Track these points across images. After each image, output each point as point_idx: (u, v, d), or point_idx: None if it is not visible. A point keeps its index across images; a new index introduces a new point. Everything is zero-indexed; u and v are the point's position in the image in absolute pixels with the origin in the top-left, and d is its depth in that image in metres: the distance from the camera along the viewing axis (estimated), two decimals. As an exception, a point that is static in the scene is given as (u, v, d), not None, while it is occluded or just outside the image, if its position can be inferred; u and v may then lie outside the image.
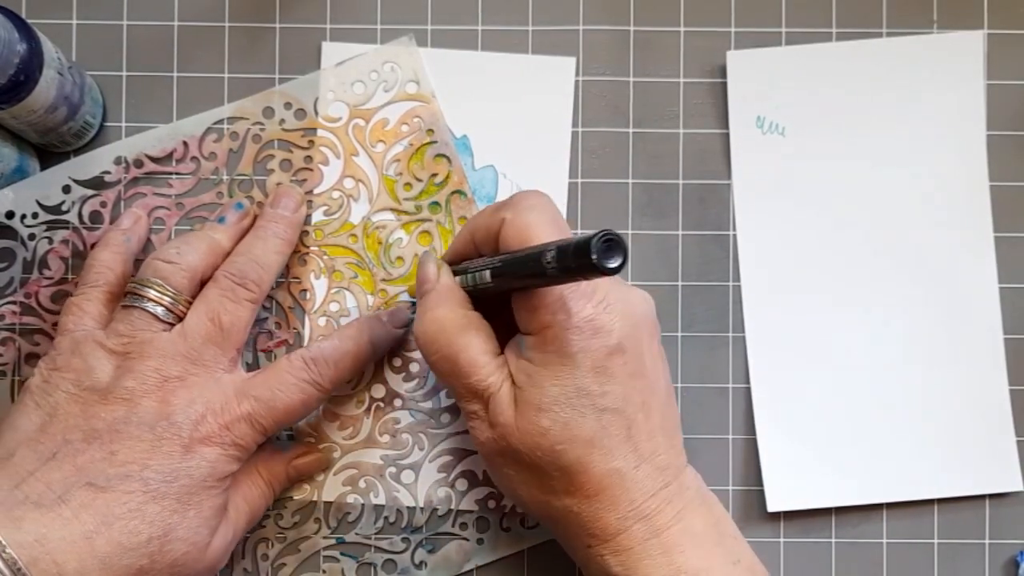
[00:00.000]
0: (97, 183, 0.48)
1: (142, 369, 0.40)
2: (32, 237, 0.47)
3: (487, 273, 0.40)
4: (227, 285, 0.43)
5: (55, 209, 0.47)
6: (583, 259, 0.33)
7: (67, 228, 0.48)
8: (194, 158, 0.48)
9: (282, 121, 0.48)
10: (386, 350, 0.47)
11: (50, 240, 0.47)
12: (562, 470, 0.38)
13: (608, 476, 0.38)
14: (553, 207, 0.41)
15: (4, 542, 0.35)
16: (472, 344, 0.40)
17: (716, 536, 0.39)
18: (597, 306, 0.38)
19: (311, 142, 0.48)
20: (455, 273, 0.43)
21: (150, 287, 0.42)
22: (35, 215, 0.47)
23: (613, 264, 0.33)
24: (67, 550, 0.36)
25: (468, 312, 0.41)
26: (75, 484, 0.37)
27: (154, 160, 0.48)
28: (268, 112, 0.48)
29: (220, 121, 0.48)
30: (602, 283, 0.38)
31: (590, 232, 0.33)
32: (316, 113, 0.48)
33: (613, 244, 0.33)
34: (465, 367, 0.40)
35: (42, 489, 0.37)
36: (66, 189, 0.48)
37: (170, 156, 0.48)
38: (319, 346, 0.43)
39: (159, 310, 0.42)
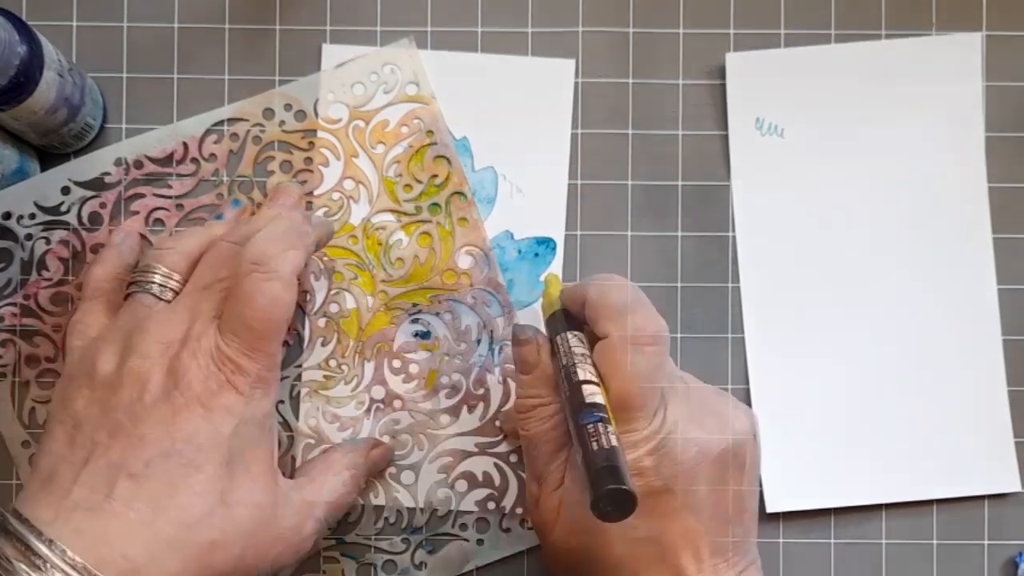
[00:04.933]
0: (97, 184, 0.48)
1: (143, 345, 0.39)
2: (29, 237, 0.47)
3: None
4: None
5: (53, 210, 0.47)
6: (593, 495, 0.34)
7: (65, 229, 0.48)
8: (194, 159, 0.48)
9: (282, 122, 0.48)
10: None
11: (47, 240, 0.47)
12: None
13: None
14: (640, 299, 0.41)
15: (68, 550, 0.34)
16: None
17: None
18: (652, 452, 0.38)
19: (311, 143, 0.48)
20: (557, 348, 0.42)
21: (144, 272, 0.42)
22: (32, 216, 0.47)
23: (613, 519, 0.34)
24: (131, 542, 0.35)
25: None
26: (116, 479, 0.36)
27: (154, 161, 0.48)
28: (268, 113, 0.48)
29: (220, 122, 0.48)
30: (671, 414, 0.38)
31: (604, 466, 0.35)
32: (316, 114, 0.48)
33: (621, 499, 0.34)
34: (533, 457, 0.42)
35: (87, 494, 0.36)
36: (65, 190, 0.48)
37: (170, 157, 0.48)
38: (252, 241, 0.40)
39: (153, 288, 0.41)
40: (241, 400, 0.39)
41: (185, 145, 0.48)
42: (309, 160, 0.48)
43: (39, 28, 0.43)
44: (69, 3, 0.48)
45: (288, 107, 0.48)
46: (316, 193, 0.48)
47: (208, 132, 0.48)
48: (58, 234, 0.47)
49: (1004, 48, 0.49)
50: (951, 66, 0.49)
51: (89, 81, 0.47)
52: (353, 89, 0.48)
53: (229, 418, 0.38)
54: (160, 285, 0.41)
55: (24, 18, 0.42)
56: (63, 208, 0.47)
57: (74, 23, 0.48)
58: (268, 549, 0.39)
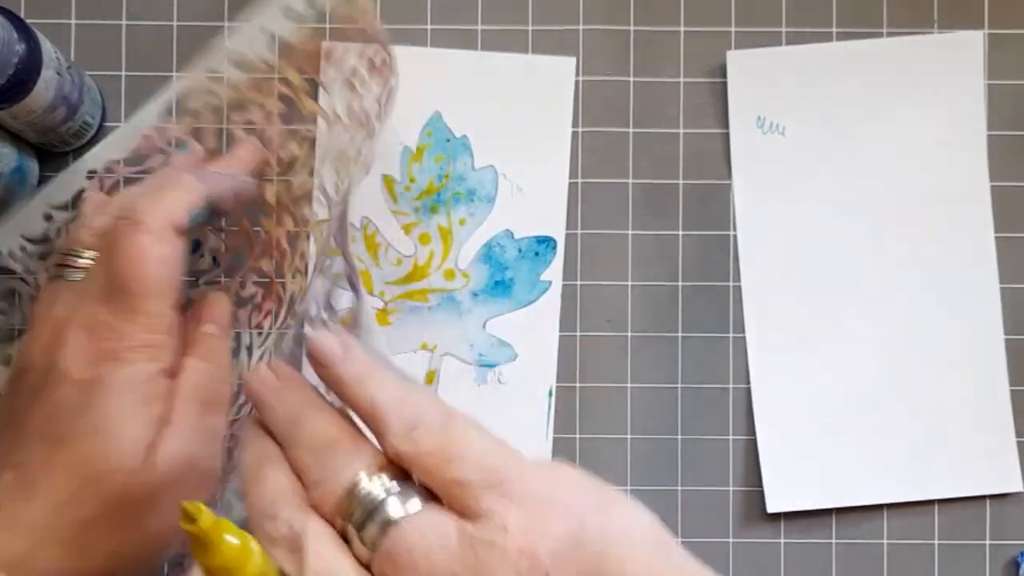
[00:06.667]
0: (76, 203, 0.46)
1: (32, 333, 0.38)
2: (29, 271, 0.45)
3: None
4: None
5: (42, 239, 0.45)
6: None
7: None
8: (160, 149, 0.46)
9: (231, 82, 0.46)
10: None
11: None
12: None
13: None
14: None
15: None
16: None
17: None
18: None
19: (264, 90, 0.46)
20: None
21: (58, 255, 0.40)
22: (23, 248, 0.45)
23: None
24: (11, 533, 0.34)
25: None
26: (1, 474, 0.36)
27: (124, 163, 0.46)
28: (216, 80, 0.46)
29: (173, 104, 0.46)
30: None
31: None
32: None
33: None
34: None
35: None
36: (47, 217, 0.45)
37: (138, 154, 0.46)
38: (120, 195, 0.38)
39: (65, 272, 0.39)
40: (119, 366, 0.36)
41: (147, 137, 0.46)
42: (267, 112, 0.46)
43: (38, 26, 0.43)
44: (68, 1, 0.48)
45: (236, 64, 0.46)
46: (316, 207, 0.47)
47: (165, 117, 0.46)
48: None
49: (1005, 46, 0.49)
50: (953, 65, 0.49)
51: (88, 80, 0.47)
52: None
53: (102, 387, 0.35)
54: (71, 267, 0.39)
55: (23, 16, 0.42)
56: (50, 234, 0.45)
57: (73, 21, 0.48)
58: (145, 513, 0.36)
